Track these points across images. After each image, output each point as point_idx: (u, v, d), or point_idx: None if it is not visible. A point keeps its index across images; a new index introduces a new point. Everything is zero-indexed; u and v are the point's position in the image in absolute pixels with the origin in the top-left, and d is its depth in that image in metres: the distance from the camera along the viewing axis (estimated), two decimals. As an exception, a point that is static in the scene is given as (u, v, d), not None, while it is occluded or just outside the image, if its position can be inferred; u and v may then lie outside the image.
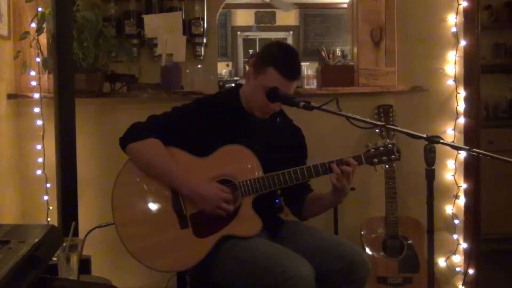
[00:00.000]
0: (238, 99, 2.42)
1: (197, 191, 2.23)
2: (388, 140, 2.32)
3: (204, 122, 2.34)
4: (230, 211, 2.25)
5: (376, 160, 2.29)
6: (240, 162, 2.30)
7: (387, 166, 2.34)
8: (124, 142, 2.31)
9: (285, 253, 2.14)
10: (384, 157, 2.29)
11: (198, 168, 2.29)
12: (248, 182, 2.27)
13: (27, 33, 3.18)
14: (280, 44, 2.50)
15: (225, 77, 7.07)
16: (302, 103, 2.17)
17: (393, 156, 2.30)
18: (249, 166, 2.29)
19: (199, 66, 3.51)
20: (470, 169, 3.40)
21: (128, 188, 2.30)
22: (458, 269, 3.44)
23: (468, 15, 3.37)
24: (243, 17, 7.83)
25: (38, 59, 3.24)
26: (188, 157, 2.31)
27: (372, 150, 2.30)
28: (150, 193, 2.29)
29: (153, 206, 2.28)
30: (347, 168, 2.24)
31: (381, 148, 2.30)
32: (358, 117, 2.05)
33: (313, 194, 2.50)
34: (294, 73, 2.31)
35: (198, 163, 2.30)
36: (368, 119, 2.06)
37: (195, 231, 2.24)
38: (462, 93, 3.39)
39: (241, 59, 7.88)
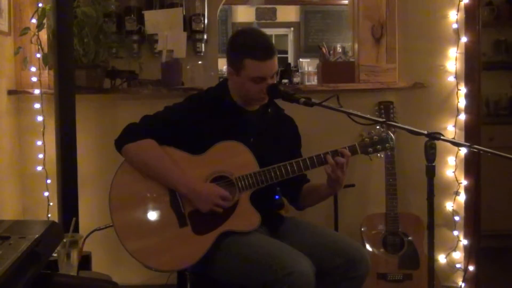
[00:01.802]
0: (228, 93, 2.41)
1: (194, 190, 2.23)
2: (381, 129, 2.33)
3: (197, 119, 2.34)
4: (228, 206, 2.25)
5: (370, 149, 2.31)
6: (236, 157, 2.30)
7: (382, 155, 2.34)
8: (120, 143, 2.31)
9: (285, 249, 2.14)
10: (378, 146, 2.31)
11: (194, 166, 2.29)
12: (245, 177, 2.26)
13: (28, 29, 3.18)
14: (241, 33, 2.46)
15: (226, 73, 7.06)
16: (302, 99, 2.17)
17: (387, 144, 2.31)
18: (244, 161, 2.29)
19: (200, 62, 3.51)
20: (471, 166, 3.40)
21: (125, 189, 2.29)
22: (458, 265, 3.44)
23: (469, 11, 3.37)
24: (244, 14, 7.80)
25: (38, 55, 3.24)
26: (184, 155, 2.30)
27: (367, 139, 2.32)
28: (148, 193, 2.28)
29: (151, 206, 2.27)
30: (341, 159, 2.24)
31: (375, 137, 2.31)
32: (358, 113, 2.05)
33: (310, 185, 2.51)
34: (268, 51, 2.27)
35: (194, 161, 2.30)
36: (368, 116, 2.06)
37: (194, 228, 2.24)
38: (462, 89, 3.39)
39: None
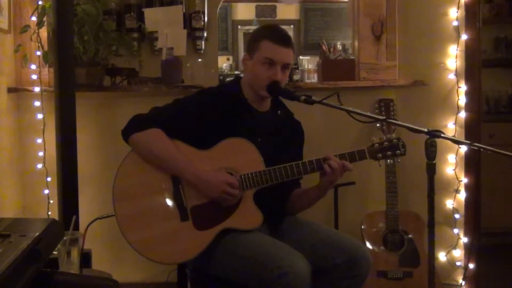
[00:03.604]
0: (240, 91, 2.41)
1: (202, 177, 2.22)
2: (393, 135, 2.30)
3: (206, 114, 2.33)
4: (237, 196, 2.24)
5: (380, 155, 2.28)
6: (242, 155, 2.29)
7: (391, 161, 2.31)
8: (127, 132, 2.30)
9: (283, 249, 2.13)
10: (388, 152, 2.28)
11: (199, 160, 2.28)
12: (250, 175, 2.25)
13: (28, 26, 3.18)
14: (264, 25, 2.62)
15: (226, 71, 7.05)
16: (303, 97, 2.17)
17: (398, 151, 2.28)
18: (251, 159, 2.28)
19: (200, 60, 3.50)
20: (471, 164, 3.39)
21: (129, 180, 2.29)
22: (458, 263, 3.44)
23: (469, 9, 3.36)
24: (244, 11, 7.79)
25: (38, 53, 3.24)
26: (190, 149, 2.30)
27: (377, 145, 2.29)
28: (151, 185, 2.28)
29: (154, 198, 2.27)
30: (348, 164, 2.25)
31: (386, 143, 2.28)
32: (359, 111, 2.05)
33: (300, 189, 2.50)
34: (285, 39, 2.35)
35: (200, 155, 2.29)
36: (369, 113, 2.06)
37: (196, 223, 2.24)
38: (463, 87, 3.38)
39: (241, 53, 7.83)
